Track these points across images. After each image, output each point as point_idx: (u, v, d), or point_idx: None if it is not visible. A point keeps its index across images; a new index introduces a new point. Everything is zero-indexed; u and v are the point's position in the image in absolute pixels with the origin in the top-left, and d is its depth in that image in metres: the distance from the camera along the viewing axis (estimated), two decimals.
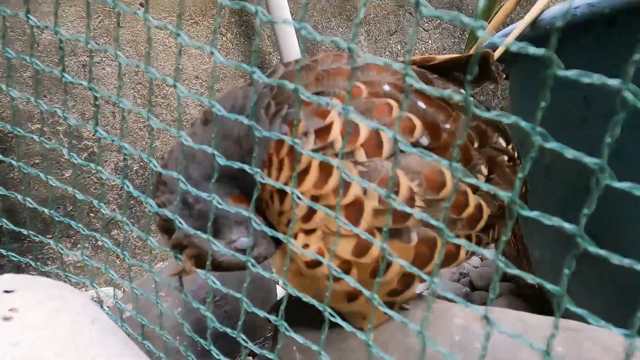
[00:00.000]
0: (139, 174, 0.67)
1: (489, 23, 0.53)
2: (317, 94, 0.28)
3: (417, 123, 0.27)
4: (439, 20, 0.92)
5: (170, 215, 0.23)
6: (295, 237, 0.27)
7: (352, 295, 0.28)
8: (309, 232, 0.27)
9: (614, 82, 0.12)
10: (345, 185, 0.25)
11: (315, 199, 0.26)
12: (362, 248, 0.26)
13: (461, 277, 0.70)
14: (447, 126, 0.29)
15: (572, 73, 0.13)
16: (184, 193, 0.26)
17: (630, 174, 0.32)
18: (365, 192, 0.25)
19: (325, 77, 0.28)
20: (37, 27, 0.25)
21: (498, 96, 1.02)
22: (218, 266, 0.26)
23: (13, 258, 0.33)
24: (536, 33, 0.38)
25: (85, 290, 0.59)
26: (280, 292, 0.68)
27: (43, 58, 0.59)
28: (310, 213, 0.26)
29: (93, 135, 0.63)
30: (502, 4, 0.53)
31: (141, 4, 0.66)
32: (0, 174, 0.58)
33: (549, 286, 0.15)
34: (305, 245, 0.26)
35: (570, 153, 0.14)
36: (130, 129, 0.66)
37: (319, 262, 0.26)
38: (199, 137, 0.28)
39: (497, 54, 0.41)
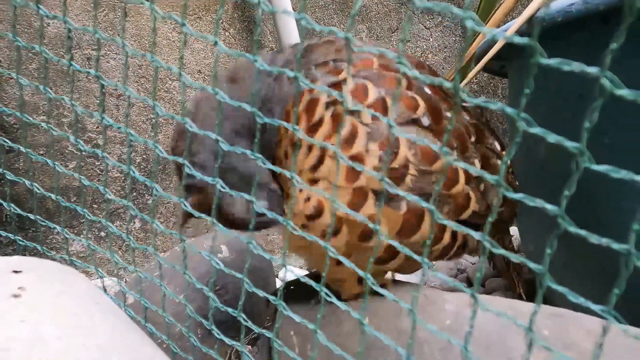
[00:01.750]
0: (141, 167, 0.68)
1: (489, 20, 0.54)
2: (334, 60, 0.30)
3: (421, 104, 0.29)
4: (440, 18, 0.92)
5: (190, 168, 0.24)
6: (300, 190, 0.28)
7: (339, 261, 0.29)
8: (313, 182, 0.28)
9: (592, 70, 0.13)
10: (350, 139, 0.27)
11: (324, 150, 0.27)
12: (355, 205, 0.27)
13: (459, 273, 0.71)
14: (448, 114, 0.30)
15: (553, 62, 0.14)
16: (212, 145, 0.28)
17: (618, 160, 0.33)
18: (367, 150, 0.27)
19: (342, 49, 0.30)
20: (46, 17, 0.26)
21: (499, 95, 1.03)
22: (226, 218, 0.28)
23: (20, 243, 0.34)
24: (532, 30, 0.39)
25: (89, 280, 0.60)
26: (279, 283, 0.69)
27: (49, 50, 0.60)
28: (318, 163, 0.27)
29: (97, 127, 0.64)
30: (501, 2, 0.54)
31: None
32: (6, 164, 0.59)
33: (532, 265, 0.16)
34: (308, 197, 0.28)
35: (552, 138, 0.15)
36: (134, 121, 0.67)
37: (319, 215, 0.28)
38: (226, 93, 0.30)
39: (494, 50, 0.42)
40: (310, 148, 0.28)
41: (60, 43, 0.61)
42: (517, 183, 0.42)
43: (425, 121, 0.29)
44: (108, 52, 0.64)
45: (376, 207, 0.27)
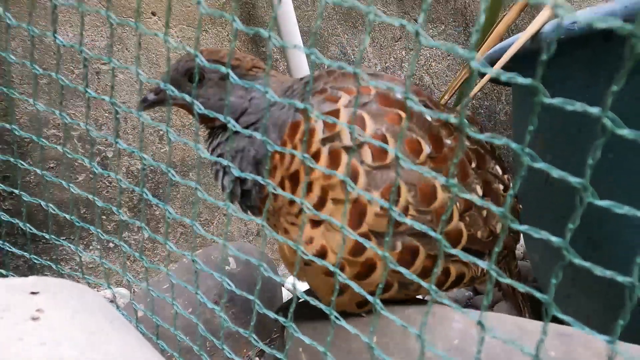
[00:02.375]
0: (149, 178, 0.69)
1: (491, 33, 0.54)
2: (333, 87, 0.30)
3: (425, 147, 0.29)
4: (443, 26, 0.93)
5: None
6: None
7: (341, 290, 0.30)
8: (315, 223, 0.28)
9: (594, 110, 0.14)
10: (351, 178, 0.27)
11: (324, 189, 0.28)
12: (358, 248, 0.28)
13: (469, 283, 0.70)
14: (449, 142, 0.31)
15: (557, 101, 0.14)
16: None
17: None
18: (369, 199, 0.27)
19: (341, 77, 0.31)
20: (62, 45, 0.27)
21: (502, 101, 1.03)
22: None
23: (36, 261, 0.35)
24: (537, 46, 0.39)
25: (97, 290, 0.61)
26: (285, 294, 0.70)
27: (59, 66, 0.62)
28: (319, 204, 0.28)
29: (105, 140, 0.65)
30: (504, 14, 0.54)
31: (153, 13, 0.68)
32: (18, 176, 0.60)
33: (538, 295, 0.16)
34: (310, 239, 0.28)
35: (556, 173, 0.15)
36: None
37: (322, 256, 0.29)
38: None
39: (499, 64, 0.43)
40: (310, 185, 0.28)
41: (70, 58, 0.63)
42: (520, 206, 0.42)
43: (427, 149, 0.29)
44: (115, 67, 0.66)
45: (378, 247, 0.27)
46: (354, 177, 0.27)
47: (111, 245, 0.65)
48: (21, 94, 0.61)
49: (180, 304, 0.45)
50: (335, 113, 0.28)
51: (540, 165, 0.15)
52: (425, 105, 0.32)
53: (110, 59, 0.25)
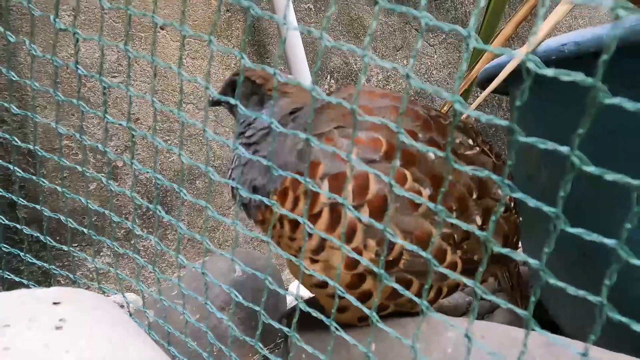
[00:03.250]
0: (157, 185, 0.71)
1: (491, 45, 0.56)
2: (337, 127, 0.31)
3: (425, 192, 0.31)
4: (444, 35, 0.95)
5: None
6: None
7: (344, 308, 0.32)
8: (314, 261, 0.31)
9: (563, 149, 0.15)
10: (349, 235, 0.29)
11: (323, 239, 0.30)
12: (354, 284, 0.31)
13: (465, 287, 0.72)
14: (450, 177, 0.32)
15: (532, 140, 0.16)
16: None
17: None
18: (365, 245, 0.29)
19: (348, 115, 0.32)
20: (84, 75, 0.29)
21: (503, 108, 1.04)
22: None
23: (55, 272, 0.37)
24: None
25: (108, 296, 0.63)
26: (289, 299, 0.71)
27: (72, 79, 0.65)
28: (319, 249, 0.30)
29: (115, 150, 0.68)
30: (501, 28, 0.56)
31: (161, 28, 0.71)
32: (32, 185, 0.63)
33: (518, 311, 0.18)
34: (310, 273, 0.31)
35: (532, 202, 0.17)
36: (149, 143, 0.71)
37: (325, 285, 0.31)
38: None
39: (495, 82, 0.44)
40: (308, 233, 0.30)
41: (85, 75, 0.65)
42: (520, 219, 0.42)
43: (427, 192, 0.31)
44: (126, 79, 0.68)
45: (373, 282, 0.31)
46: (352, 231, 0.29)
47: (121, 251, 0.68)
48: (36, 105, 0.63)
49: (189, 309, 0.47)
50: (343, 177, 0.29)
51: (518, 195, 0.17)
52: (431, 118, 0.33)
53: (128, 87, 0.27)
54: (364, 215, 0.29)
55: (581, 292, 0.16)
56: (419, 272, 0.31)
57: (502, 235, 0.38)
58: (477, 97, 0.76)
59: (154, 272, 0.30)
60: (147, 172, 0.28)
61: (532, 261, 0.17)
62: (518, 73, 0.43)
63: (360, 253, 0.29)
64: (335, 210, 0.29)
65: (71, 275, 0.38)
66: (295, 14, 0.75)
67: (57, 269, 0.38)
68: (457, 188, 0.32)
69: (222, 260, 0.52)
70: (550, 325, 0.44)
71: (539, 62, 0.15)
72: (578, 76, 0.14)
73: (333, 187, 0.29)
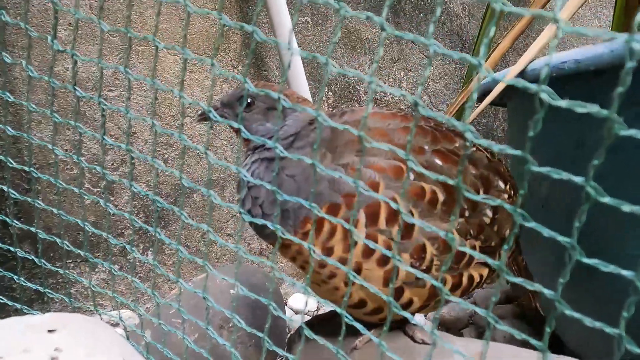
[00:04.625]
0: (152, 202, 0.70)
1: (486, 60, 0.57)
2: (357, 154, 0.33)
3: (439, 192, 0.34)
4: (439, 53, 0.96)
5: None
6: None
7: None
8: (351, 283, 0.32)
9: (578, 180, 0.15)
10: (386, 257, 0.32)
11: (359, 263, 0.32)
12: (395, 296, 0.34)
13: (466, 299, 0.71)
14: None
15: (545, 169, 0.16)
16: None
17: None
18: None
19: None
20: (82, 97, 0.28)
21: (499, 118, 1.05)
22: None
23: (50, 295, 0.36)
24: (525, 78, 0.41)
25: (99, 316, 0.61)
26: (289, 313, 0.70)
27: (68, 92, 0.64)
28: (356, 271, 0.33)
29: (112, 164, 0.67)
30: (498, 43, 0.57)
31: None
32: (27, 202, 0.62)
33: (533, 342, 0.17)
34: (350, 294, 0.34)
35: (546, 232, 0.16)
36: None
37: (363, 304, 0.34)
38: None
39: (489, 98, 0.45)
40: (341, 260, 0.32)
41: (82, 88, 0.65)
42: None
43: (441, 198, 0.33)
44: (123, 93, 0.68)
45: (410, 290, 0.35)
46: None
47: (116, 267, 0.66)
48: (31, 120, 0.62)
49: (187, 329, 0.45)
50: (376, 205, 0.32)
51: (531, 224, 0.17)
52: (434, 129, 0.36)
53: (128, 110, 0.26)
54: (396, 233, 0.31)
55: (598, 324, 0.16)
56: (450, 269, 0.34)
57: (513, 222, 0.40)
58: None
59: (152, 296, 0.29)
60: (147, 194, 0.28)
61: (548, 292, 0.17)
62: (514, 86, 0.44)
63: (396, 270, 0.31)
64: (371, 236, 0.32)
65: (66, 299, 0.37)
66: (293, 28, 0.75)
67: (51, 292, 0.37)
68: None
69: (220, 276, 0.51)
70: (554, 340, 0.44)
71: (553, 93, 0.15)
72: (593, 108, 0.14)
73: (368, 215, 0.32)
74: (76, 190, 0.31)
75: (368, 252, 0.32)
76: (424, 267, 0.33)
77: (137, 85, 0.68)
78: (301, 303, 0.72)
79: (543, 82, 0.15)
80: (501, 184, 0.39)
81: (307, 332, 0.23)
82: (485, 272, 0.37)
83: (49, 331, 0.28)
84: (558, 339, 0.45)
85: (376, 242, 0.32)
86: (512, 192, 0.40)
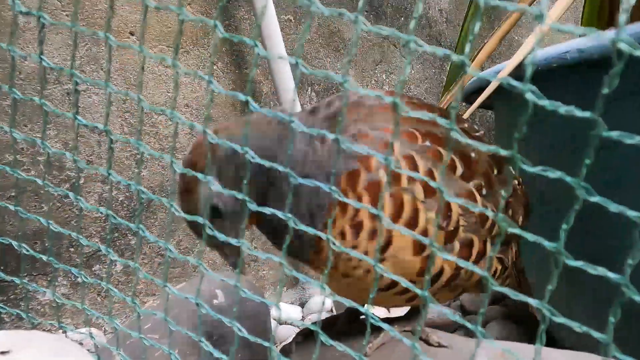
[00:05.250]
0: (124, 205, 0.65)
1: (472, 61, 0.58)
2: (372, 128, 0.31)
3: (457, 161, 0.33)
4: (420, 52, 0.98)
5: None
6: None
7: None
8: (381, 260, 0.31)
9: (570, 180, 0.15)
10: (414, 216, 0.30)
11: (389, 232, 0.30)
12: (422, 270, 0.32)
13: (454, 301, 0.72)
14: (473, 155, 0.34)
15: (536, 169, 0.16)
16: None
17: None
18: (427, 221, 0.31)
19: (365, 112, 0.32)
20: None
21: (487, 119, 1.09)
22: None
23: (2, 310, 0.32)
24: (520, 74, 0.42)
25: (64, 333, 0.56)
26: (274, 323, 0.68)
27: (25, 86, 0.58)
28: (386, 244, 0.30)
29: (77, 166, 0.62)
30: (484, 44, 0.58)
31: (131, 33, 0.66)
32: None
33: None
34: (380, 276, 0.29)
35: (531, 237, 0.16)
36: (117, 157, 0.65)
37: (395, 284, 0.31)
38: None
39: (484, 94, 0.45)
40: (373, 233, 0.30)
41: (38, 80, 0.59)
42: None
43: (460, 170, 0.32)
44: (90, 87, 0.63)
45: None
46: (416, 211, 0.30)
47: (79, 280, 0.61)
48: None
49: (165, 345, 0.42)
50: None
51: (528, 236, 0.16)
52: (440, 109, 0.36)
53: (108, 114, 0.24)
54: (419, 192, 0.30)
55: (585, 329, 0.16)
56: (475, 230, 0.33)
57: (524, 205, 0.40)
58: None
59: (134, 305, 0.27)
60: (128, 184, 0.25)
61: (534, 301, 0.16)
62: (502, 88, 0.45)
63: (426, 234, 0.30)
64: (396, 196, 0.29)
65: (23, 314, 0.33)
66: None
67: (4, 307, 0.33)
68: (480, 165, 0.34)
69: (203, 285, 0.48)
70: (548, 337, 0.43)
71: (538, 93, 0.14)
72: (576, 111, 0.14)
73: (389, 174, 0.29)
74: (39, 182, 0.27)
75: (396, 215, 0.29)
76: (452, 228, 0.31)
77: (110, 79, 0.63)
78: (287, 312, 0.70)
79: (527, 80, 0.15)
80: (511, 169, 0.38)
81: (324, 337, 0.19)
82: (503, 257, 0.36)
83: (2, 353, 0.24)
84: (550, 336, 0.45)
85: (401, 202, 0.29)
86: (520, 179, 0.41)
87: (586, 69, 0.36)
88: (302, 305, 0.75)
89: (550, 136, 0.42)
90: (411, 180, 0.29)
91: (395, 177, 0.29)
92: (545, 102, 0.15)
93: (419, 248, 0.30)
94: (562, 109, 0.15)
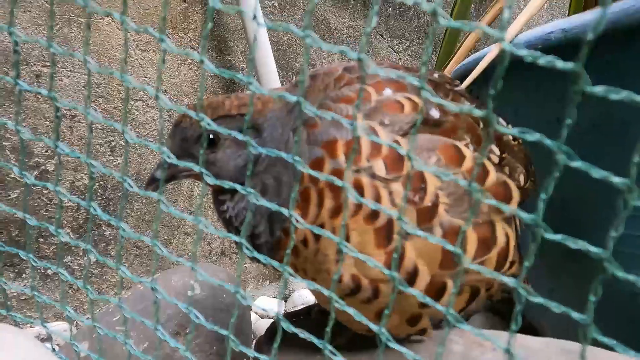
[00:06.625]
0: (98, 194, 0.62)
1: (452, 58, 0.57)
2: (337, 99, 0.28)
3: (434, 110, 0.28)
4: (408, 43, 0.97)
5: None
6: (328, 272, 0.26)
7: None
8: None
9: (550, 143, 0.14)
10: (376, 201, 0.25)
11: (348, 228, 0.25)
12: (389, 265, 0.26)
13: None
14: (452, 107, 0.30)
15: (514, 131, 0.15)
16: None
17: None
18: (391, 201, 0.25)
19: (342, 78, 0.29)
20: (26, 90, 0.22)
21: None
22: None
23: None
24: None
25: (31, 327, 0.52)
26: (254, 317, 0.66)
27: None
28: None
29: (45, 151, 0.58)
30: (462, 41, 0.57)
31: (107, 14, 0.63)
32: None
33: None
34: (340, 277, 0.25)
35: (506, 208, 0.15)
36: (91, 144, 0.62)
37: (358, 289, 0.26)
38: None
39: (471, 76, 0.44)
40: (335, 229, 0.25)
41: (4, 58, 0.55)
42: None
43: (435, 114, 0.27)
44: (61, 69, 0.59)
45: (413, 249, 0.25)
46: (378, 197, 0.25)
47: (49, 272, 0.58)
48: None
49: (135, 338, 0.40)
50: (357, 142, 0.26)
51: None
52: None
53: (88, 100, 0.21)
54: (379, 168, 0.25)
55: (563, 309, 0.15)
56: (465, 210, 0.25)
57: (524, 165, 0.34)
58: None
59: (85, 291, 0.24)
60: (111, 173, 0.23)
61: (510, 280, 0.15)
62: (487, 75, 0.43)
63: (391, 224, 0.24)
64: (357, 184, 0.24)
65: None
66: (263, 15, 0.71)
67: None
68: (466, 119, 0.29)
69: (177, 276, 0.46)
70: (528, 328, 0.42)
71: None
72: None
73: (347, 156, 0.24)
74: (16, 170, 0.25)
75: (355, 208, 0.24)
76: (429, 204, 0.24)
77: (79, 61, 0.60)
78: (267, 305, 0.69)
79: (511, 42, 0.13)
80: (502, 121, 0.32)
81: (285, 325, 0.18)
82: (510, 232, 0.28)
83: None
84: (531, 326, 0.45)
85: (361, 188, 0.24)
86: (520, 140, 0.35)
87: (571, 50, 0.36)
88: (285, 299, 0.74)
89: (547, 108, 0.41)
90: (373, 156, 0.25)
91: (355, 159, 0.24)
92: (523, 52, 0.13)
93: (383, 241, 0.24)
94: (542, 59, 0.13)
